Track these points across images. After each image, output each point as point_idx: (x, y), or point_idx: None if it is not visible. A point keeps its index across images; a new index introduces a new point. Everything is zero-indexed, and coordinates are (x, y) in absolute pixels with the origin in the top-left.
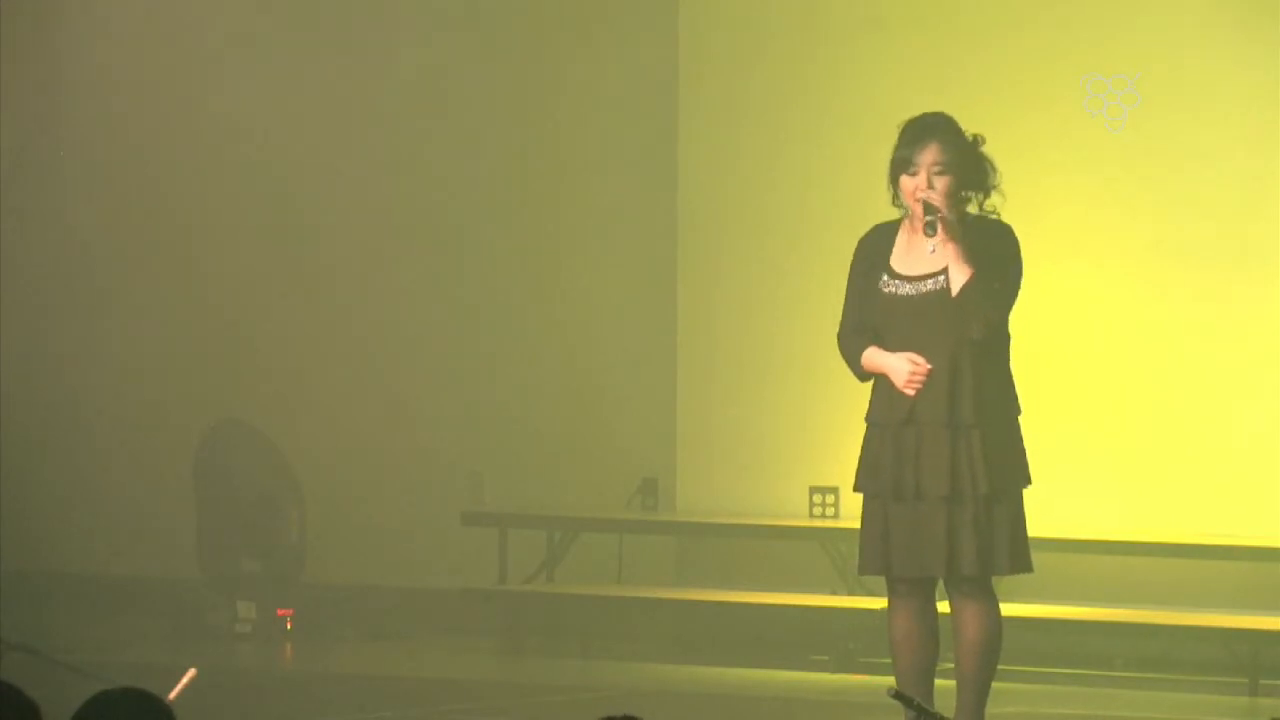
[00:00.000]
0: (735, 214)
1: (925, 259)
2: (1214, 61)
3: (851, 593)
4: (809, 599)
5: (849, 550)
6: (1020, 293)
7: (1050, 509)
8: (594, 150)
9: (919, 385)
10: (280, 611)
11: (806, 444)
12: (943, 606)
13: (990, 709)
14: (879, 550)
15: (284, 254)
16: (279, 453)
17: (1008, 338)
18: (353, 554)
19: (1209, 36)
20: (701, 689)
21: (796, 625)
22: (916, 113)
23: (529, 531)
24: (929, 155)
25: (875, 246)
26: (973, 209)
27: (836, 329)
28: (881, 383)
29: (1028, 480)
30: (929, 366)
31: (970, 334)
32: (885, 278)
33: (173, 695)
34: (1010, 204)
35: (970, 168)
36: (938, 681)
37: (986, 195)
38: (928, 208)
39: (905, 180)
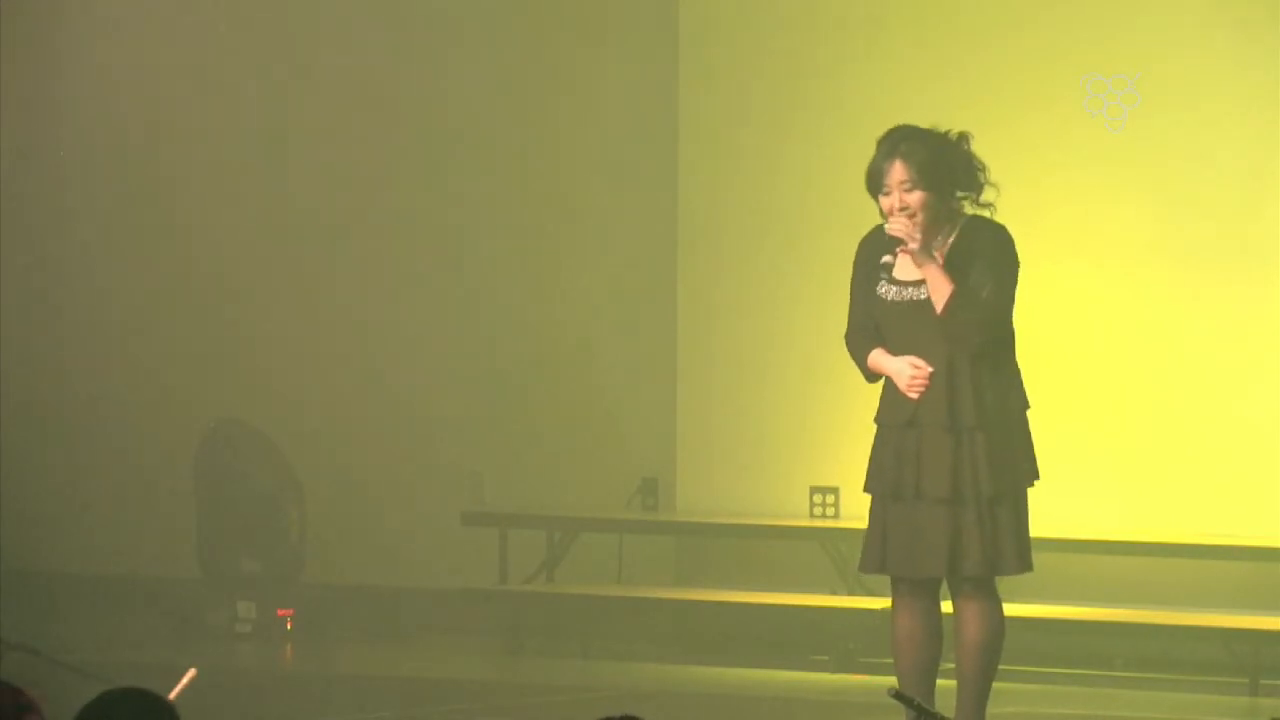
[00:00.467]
0: (735, 214)
1: (936, 290)
2: (1214, 61)
3: (851, 593)
4: (809, 599)
5: (849, 550)
6: (1020, 292)
7: (1050, 509)
8: (594, 151)
9: (921, 389)
10: (280, 611)
11: (806, 444)
12: (945, 606)
13: (990, 709)
14: (878, 549)
15: (284, 254)
16: (279, 453)
17: (1011, 334)
18: (353, 554)
19: (1209, 36)
20: (701, 689)
21: (796, 625)
22: (918, 113)
23: (529, 531)
24: (895, 174)
25: (874, 249)
26: (969, 207)
27: (836, 329)
28: (889, 384)
29: (1035, 476)
30: (930, 369)
31: (964, 349)
32: (884, 281)
33: (173, 695)
34: (1010, 204)
35: (948, 170)
36: (938, 681)
37: (978, 193)
38: (891, 238)
39: (881, 200)
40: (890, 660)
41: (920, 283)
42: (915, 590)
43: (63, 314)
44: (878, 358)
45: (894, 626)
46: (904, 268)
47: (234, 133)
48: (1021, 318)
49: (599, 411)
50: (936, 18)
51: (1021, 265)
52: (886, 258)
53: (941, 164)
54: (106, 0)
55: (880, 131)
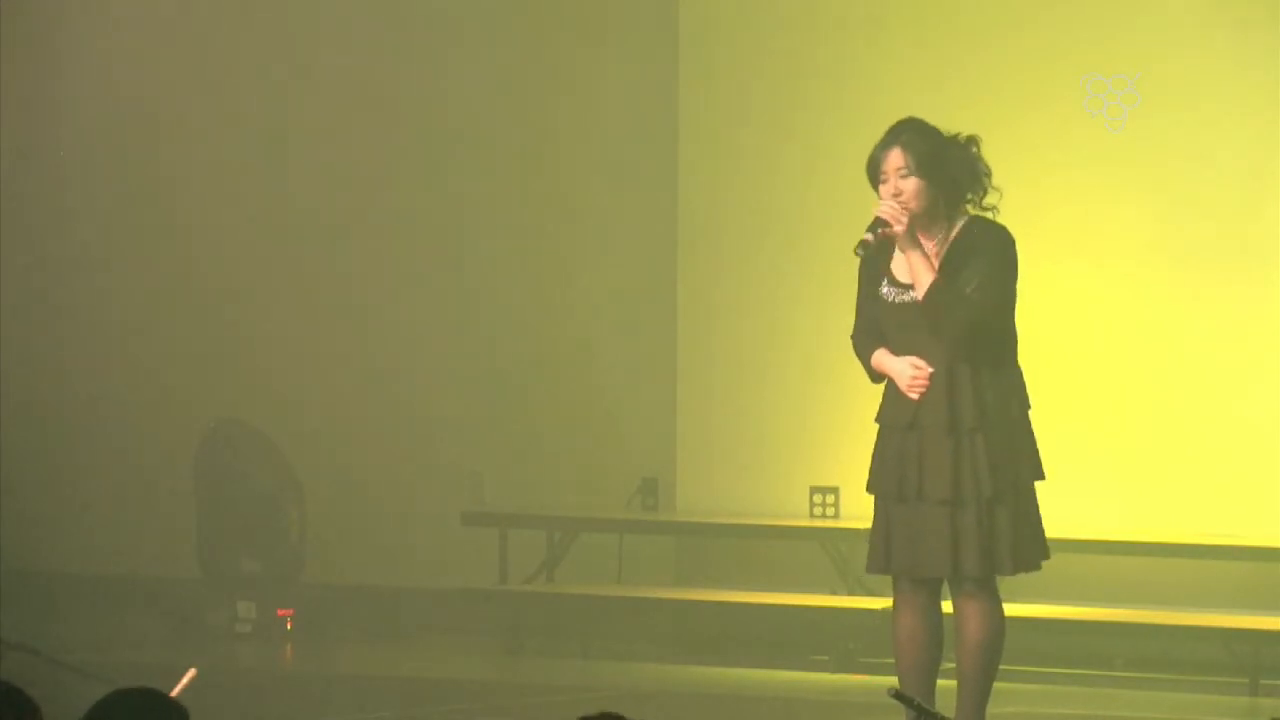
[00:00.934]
0: (735, 214)
1: (918, 280)
2: (1214, 61)
3: (851, 593)
4: (809, 599)
5: (849, 550)
6: (1020, 292)
7: (1050, 509)
8: (594, 151)
9: (921, 389)
10: (280, 611)
11: (806, 444)
12: (945, 606)
13: (990, 709)
14: (881, 550)
15: (285, 254)
16: (279, 453)
17: (1013, 336)
18: (353, 554)
19: (1209, 36)
20: (701, 689)
21: (796, 625)
22: (917, 113)
23: (529, 531)
24: (893, 161)
25: (878, 253)
26: (971, 209)
27: (836, 329)
28: (891, 385)
29: (1038, 474)
30: (930, 370)
31: (943, 339)
32: (885, 284)
33: (173, 695)
34: (1010, 204)
35: (949, 168)
36: (939, 681)
37: (982, 194)
38: (876, 220)
39: (880, 189)
40: (890, 660)
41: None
42: (916, 590)
43: (63, 314)
44: (880, 358)
45: (895, 626)
46: (904, 270)
47: (234, 133)
48: (1021, 318)
49: (599, 411)
50: (936, 18)
51: (1022, 265)
52: (866, 236)
53: (942, 158)
54: (106, 0)
55: (880, 131)
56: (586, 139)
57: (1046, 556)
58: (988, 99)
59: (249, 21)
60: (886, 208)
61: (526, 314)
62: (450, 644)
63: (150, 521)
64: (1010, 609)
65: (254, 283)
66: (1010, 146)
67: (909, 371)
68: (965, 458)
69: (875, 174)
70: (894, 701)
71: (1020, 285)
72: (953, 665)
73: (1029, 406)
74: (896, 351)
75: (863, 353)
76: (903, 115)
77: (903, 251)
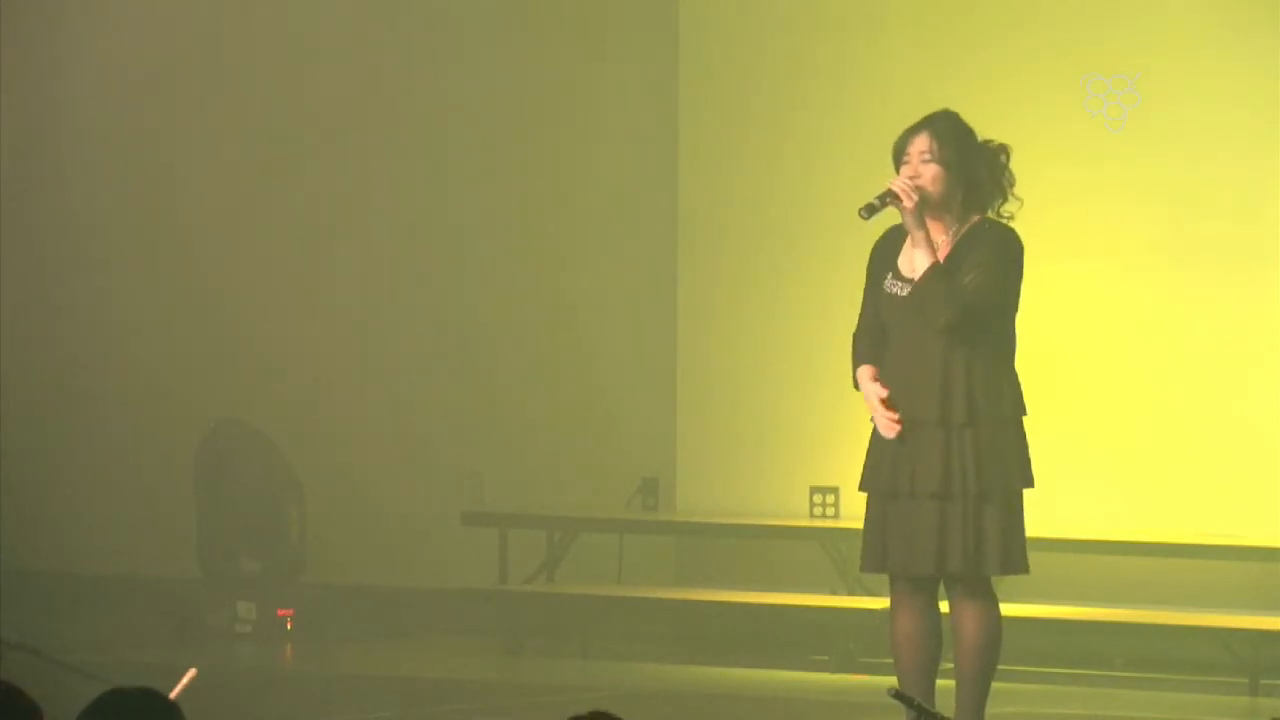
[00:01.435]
0: (735, 214)
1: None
2: (1214, 61)
3: (851, 593)
4: (809, 599)
5: (849, 550)
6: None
7: (1050, 509)
8: (594, 150)
9: (895, 432)
10: (280, 611)
11: (806, 444)
12: (944, 606)
13: (990, 709)
14: (877, 549)
15: (285, 254)
16: (279, 453)
17: (1011, 338)
18: (353, 554)
19: (1209, 36)
20: (701, 689)
21: (796, 625)
22: (917, 113)
23: (529, 531)
24: (919, 144)
25: (886, 248)
26: (990, 214)
27: (836, 329)
28: (885, 382)
29: (1027, 482)
30: (899, 427)
31: (934, 323)
32: (890, 277)
33: (173, 695)
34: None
35: (972, 166)
36: (938, 681)
37: (1002, 201)
38: (885, 192)
39: (900, 169)
40: (890, 660)
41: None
42: (914, 589)
43: (63, 314)
44: (862, 376)
45: (892, 627)
46: (909, 264)
47: (234, 133)
48: (1021, 318)
49: (599, 411)
50: (936, 18)
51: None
52: (873, 201)
53: (967, 155)
54: (107, 0)
55: (881, 131)
56: (586, 139)
57: (1027, 569)
58: (988, 99)
59: (249, 22)
60: (899, 182)
61: (526, 314)
62: (450, 644)
63: (150, 521)
64: (1009, 609)
65: (254, 283)
66: (1010, 146)
67: (882, 416)
68: (955, 453)
69: (899, 155)
70: (894, 701)
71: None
72: (951, 665)
73: (1024, 412)
74: (894, 345)
75: (855, 358)
76: (903, 115)
77: (909, 230)
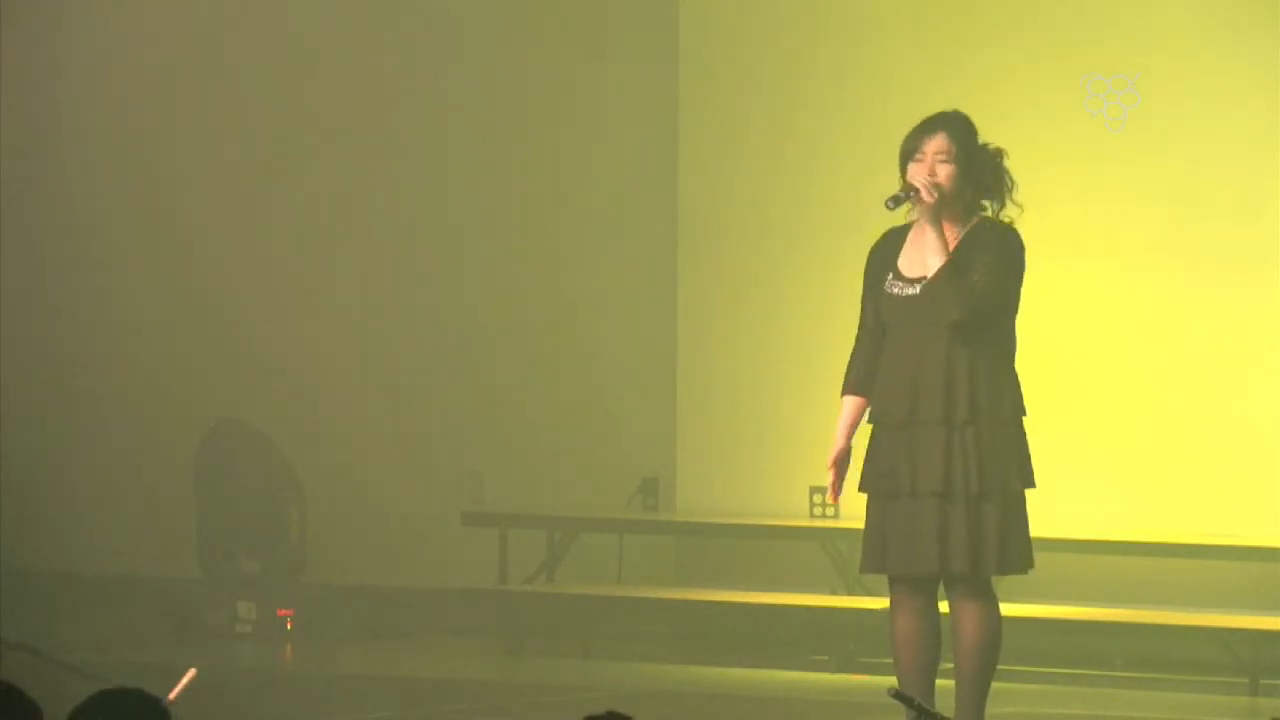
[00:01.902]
0: (735, 214)
1: (926, 261)
2: (1214, 61)
3: (851, 593)
4: (809, 599)
5: (849, 550)
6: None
7: (1050, 509)
8: (594, 151)
9: (832, 499)
10: (280, 611)
11: (806, 444)
12: (943, 606)
13: (990, 709)
14: (878, 549)
15: (284, 254)
16: (279, 453)
17: (1011, 338)
18: (353, 554)
19: (1209, 36)
20: (701, 689)
21: (796, 625)
22: (918, 113)
23: (529, 531)
24: (935, 144)
25: (885, 249)
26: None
27: (836, 329)
28: (884, 384)
29: (1028, 482)
30: (837, 498)
31: (944, 321)
32: (890, 278)
33: (173, 695)
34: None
35: (981, 170)
36: (938, 681)
37: (1001, 204)
38: (909, 185)
39: (911, 168)
40: (890, 660)
41: (921, 279)
42: (914, 590)
43: (63, 314)
44: (845, 403)
45: (892, 627)
46: (911, 264)
47: (234, 133)
48: (1021, 318)
49: (599, 411)
50: (936, 18)
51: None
52: (899, 194)
53: (977, 157)
54: (106, 0)
55: (880, 131)
56: (586, 139)
57: (1031, 566)
58: (988, 99)
59: (249, 22)
60: (922, 179)
61: (526, 314)
62: (450, 644)
63: (150, 521)
64: (1010, 609)
65: (254, 283)
66: (1010, 146)
67: (828, 461)
68: (956, 451)
69: (912, 152)
70: (894, 701)
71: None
72: (951, 665)
73: (1024, 413)
74: (895, 345)
75: (847, 374)
76: (903, 115)
77: (925, 225)
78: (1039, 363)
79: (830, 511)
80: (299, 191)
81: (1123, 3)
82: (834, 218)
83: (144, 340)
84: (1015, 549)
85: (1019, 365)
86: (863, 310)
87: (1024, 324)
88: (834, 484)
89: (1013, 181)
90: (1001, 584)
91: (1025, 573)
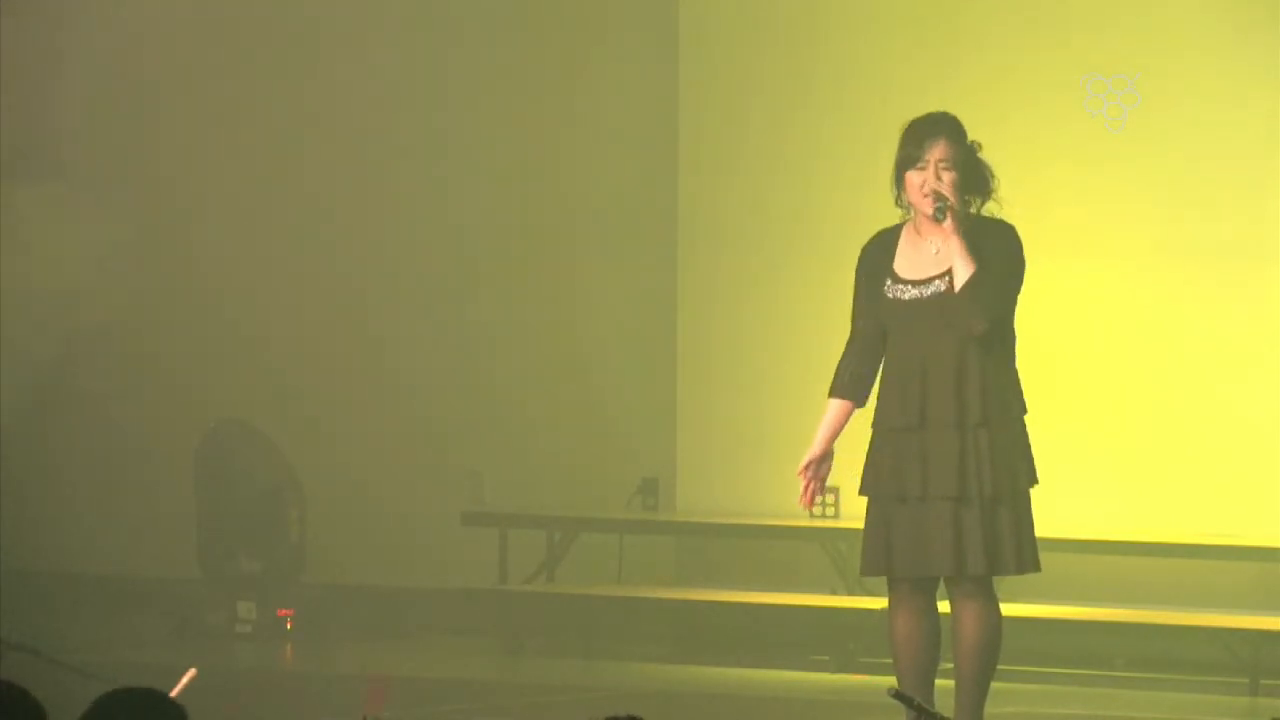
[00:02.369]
0: (735, 214)
1: (929, 261)
2: (1214, 61)
3: (851, 593)
4: (809, 599)
5: (849, 550)
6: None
7: (1050, 509)
8: (594, 151)
9: (803, 504)
10: (280, 611)
11: (806, 444)
12: (943, 606)
13: (990, 709)
14: (881, 552)
15: (285, 253)
16: (279, 452)
17: (1013, 337)
18: (353, 554)
19: (1209, 36)
20: (701, 689)
21: (796, 625)
22: (918, 113)
23: (529, 531)
24: (937, 151)
25: (878, 252)
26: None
27: (836, 329)
28: (889, 387)
29: (1034, 480)
30: (809, 501)
31: (972, 330)
32: (889, 282)
33: (172, 695)
34: (1010, 204)
35: (972, 170)
36: (938, 681)
37: (985, 200)
38: (937, 195)
39: (912, 176)
40: (890, 660)
41: (927, 280)
42: (914, 590)
43: (63, 314)
44: (832, 405)
45: (892, 628)
46: (911, 266)
47: (234, 132)
48: (1021, 317)
49: (599, 411)
50: (936, 18)
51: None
52: (939, 203)
53: (971, 160)
54: (107, 0)
55: (880, 131)
56: (586, 139)
57: (1040, 565)
58: (988, 99)
59: (250, 22)
60: (946, 188)
61: (526, 314)
62: (450, 644)
63: (150, 521)
64: (1010, 609)
65: (254, 282)
66: (1010, 146)
67: (801, 483)
68: (970, 454)
69: (912, 160)
70: (894, 701)
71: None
72: (951, 665)
73: (1025, 411)
74: (899, 350)
75: (836, 377)
76: (902, 115)
77: (953, 233)
78: (1039, 363)
79: (830, 511)
80: (299, 191)
81: (1123, 3)
82: (834, 218)
83: (144, 340)
84: (1030, 548)
85: (1019, 365)
86: (855, 313)
87: (1024, 324)
88: (809, 488)
89: (992, 173)
90: (1002, 584)
91: (1038, 571)
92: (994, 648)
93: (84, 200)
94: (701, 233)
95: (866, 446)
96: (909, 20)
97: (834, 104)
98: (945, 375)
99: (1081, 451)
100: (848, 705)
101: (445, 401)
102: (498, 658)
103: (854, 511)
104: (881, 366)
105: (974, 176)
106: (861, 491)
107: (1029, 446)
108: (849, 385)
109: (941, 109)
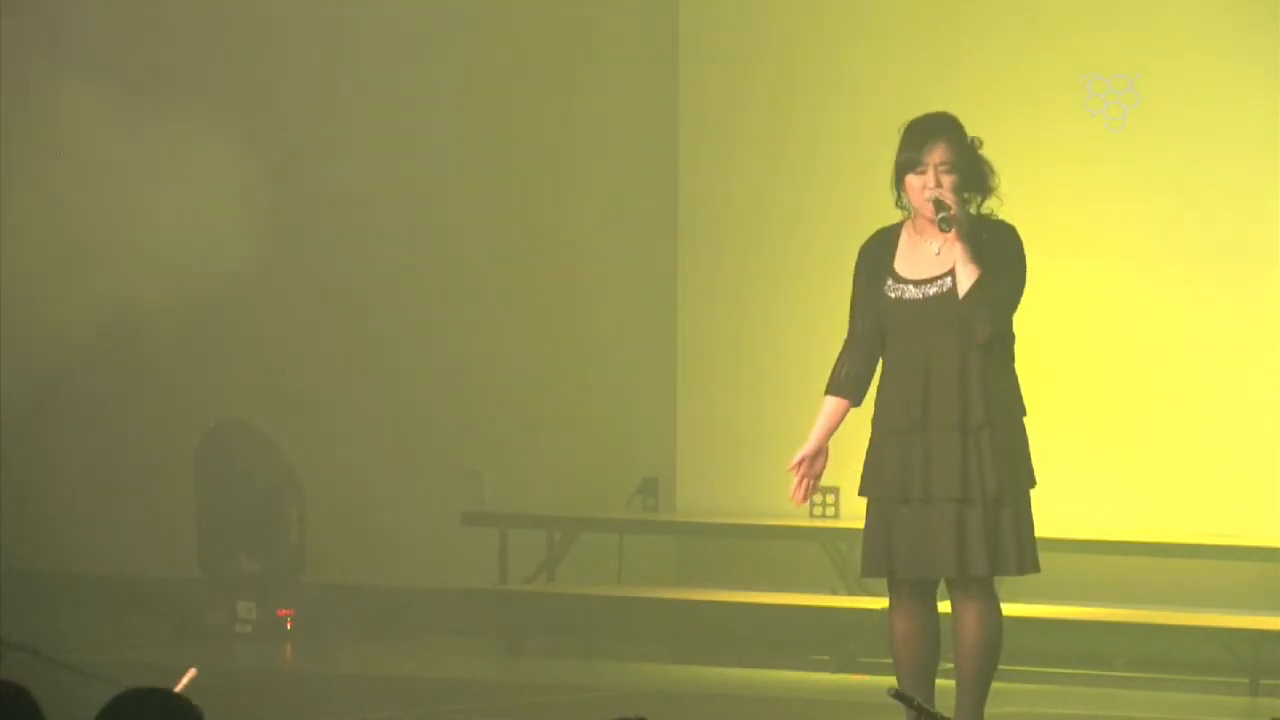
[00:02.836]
0: (735, 214)
1: (930, 261)
2: (1214, 61)
3: (851, 593)
4: (809, 599)
5: (849, 550)
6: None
7: (1050, 509)
8: (594, 151)
9: (797, 498)
10: (280, 611)
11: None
12: (943, 606)
13: (990, 709)
14: (882, 553)
15: (284, 254)
16: (279, 452)
17: (1013, 338)
18: (353, 554)
19: (1209, 36)
20: (701, 689)
21: (796, 625)
22: (917, 114)
23: (529, 531)
24: (937, 154)
25: (878, 252)
26: (971, 211)
27: (835, 329)
28: (889, 388)
29: (1033, 481)
30: (802, 497)
31: (978, 337)
32: (890, 282)
33: None
34: (1010, 204)
35: (972, 169)
36: (938, 681)
37: (985, 198)
38: (939, 204)
39: (912, 179)
40: (890, 660)
41: (929, 281)
42: (914, 591)
43: (62, 314)
44: (827, 403)
45: (892, 628)
46: (912, 266)
47: (234, 133)
48: (1021, 317)
49: (599, 411)
50: (936, 18)
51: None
52: (944, 214)
53: (971, 159)
54: (107, 1)
55: (880, 132)
56: (586, 139)
57: (1039, 568)
58: (988, 99)
59: (249, 22)
60: (947, 194)
61: (526, 314)
62: (450, 644)
63: (150, 521)
64: (1010, 609)
65: (255, 283)
66: (1010, 146)
67: (794, 478)
68: (973, 455)
69: (914, 164)
70: (894, 701)
71: None
72: (951, 665)
73: (1024, 412)
74: (900, 350)
75: (833, 374)
76: (903, 115)
77: (957, 239)
78: (1039, 363)
79: (830, 511)
80: (299, 191)
81: (1123, 3)
82: (834, 217)
83: (144, 340)
84: (1030, 549)
85: (1019, 365)
86: (853, 312)
87: (1024, 324)
88: (802, 484)
89: (993, 170)
90: (1002, 584)
91: (1038, 571)
92: (995, 648)
93: (84, 200)
94: (701, 233)
95: (865, 446)
96: (909, 20)
97: (834, 104)
98: (948, 376)
99: (1081, 451)
100: (848, 705)
101: (444, 401)
102: (498, 658)
103: (854, 511)
104: (881, 367)
105: (974, 176)
106: (862, 492)
107: (1028, 447)
108: (845, 384)
109: (940, 109)
